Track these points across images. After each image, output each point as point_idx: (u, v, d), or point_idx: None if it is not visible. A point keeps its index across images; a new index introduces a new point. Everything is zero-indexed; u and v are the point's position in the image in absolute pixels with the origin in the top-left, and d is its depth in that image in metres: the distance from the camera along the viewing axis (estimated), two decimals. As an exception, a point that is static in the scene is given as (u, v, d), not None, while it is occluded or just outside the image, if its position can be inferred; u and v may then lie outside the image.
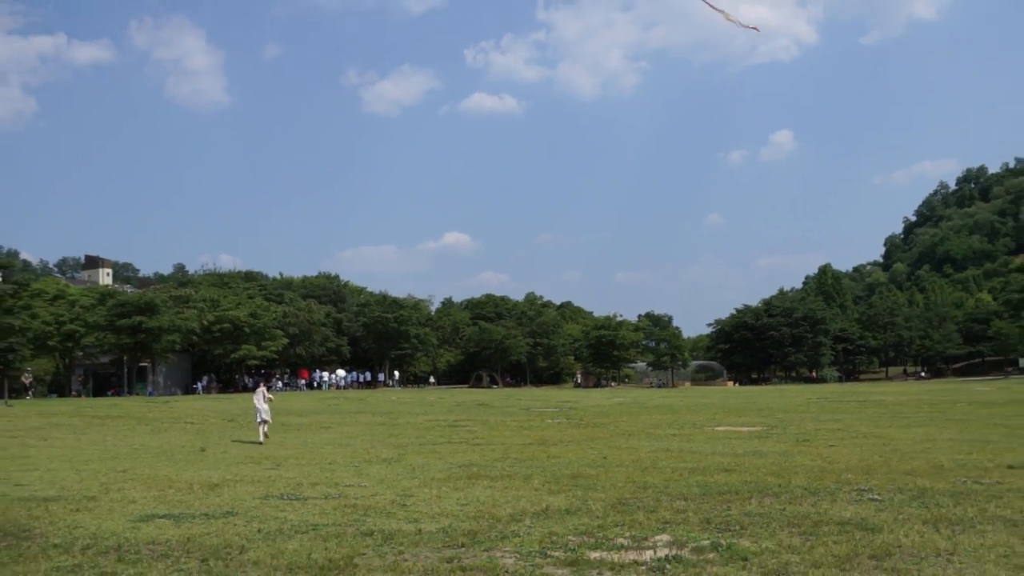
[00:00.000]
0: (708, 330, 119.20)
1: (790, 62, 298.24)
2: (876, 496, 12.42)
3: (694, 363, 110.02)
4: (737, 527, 10.16)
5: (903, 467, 16.01)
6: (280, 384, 76.16)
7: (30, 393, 60.49)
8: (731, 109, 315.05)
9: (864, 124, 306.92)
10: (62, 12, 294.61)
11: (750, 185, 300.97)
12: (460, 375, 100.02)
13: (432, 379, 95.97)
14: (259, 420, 25.47)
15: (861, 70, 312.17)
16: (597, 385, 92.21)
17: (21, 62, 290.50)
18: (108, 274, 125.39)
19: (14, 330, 58.82)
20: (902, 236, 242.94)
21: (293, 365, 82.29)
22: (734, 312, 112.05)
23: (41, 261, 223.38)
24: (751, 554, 8.66)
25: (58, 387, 66.81)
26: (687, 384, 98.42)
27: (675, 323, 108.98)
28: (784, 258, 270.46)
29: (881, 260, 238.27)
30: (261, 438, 24.72)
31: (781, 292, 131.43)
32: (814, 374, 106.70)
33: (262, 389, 27.12)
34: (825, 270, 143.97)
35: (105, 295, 71.32)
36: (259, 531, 10.20)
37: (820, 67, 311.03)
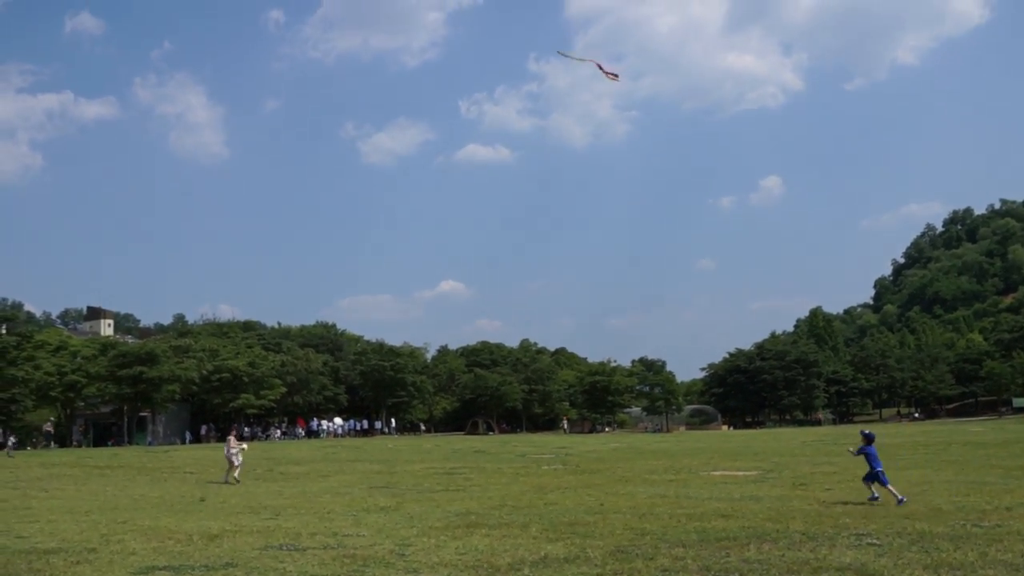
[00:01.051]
0: (701, 374, 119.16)
1: (777, 108, 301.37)
2: (875, 540, 12.28)
3: (688, 407, 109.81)
4: (736, 574, 10.03)
5: (901, 510, 15.88)
6: (278, 433, 75.75)
7: (52, 443, 60.03)
8: (720, 155, 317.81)
9: (851, 168, 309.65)
10: (69, 70, 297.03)
11: (740, 230, 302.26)
12: (456, 422, 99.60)
13: (423, 427, 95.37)
14: (236, 464, 27.58)
15: (846, 116, 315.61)
16: (592, 431, 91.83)
17: (29, 119, 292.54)
18: (109, 325, 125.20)
19: (17, 381, 58.78)
20: (891, 278, 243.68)
21: (291, 413, 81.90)
22: (727, 356, 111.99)
23: (44, 312, 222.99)
24: (751, 602, 8.53)
25: (59, 437, 66.42)
26: (682, 428, 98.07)
27: (668, 367, 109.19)
28: (775, 301, 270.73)
29: (871, 302, 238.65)
30: (225, 479, 27.00)
31: (773, 335, 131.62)
32: (822, 416, 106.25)
33: (231, 437, 29.26)
34: (816, 313, 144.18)
35: (106, 346, 71.17)
36: (258, 583, 10.04)
37: (806, 113, 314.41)
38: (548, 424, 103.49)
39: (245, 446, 29.24)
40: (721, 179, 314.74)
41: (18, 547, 13.24)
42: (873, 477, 17.74)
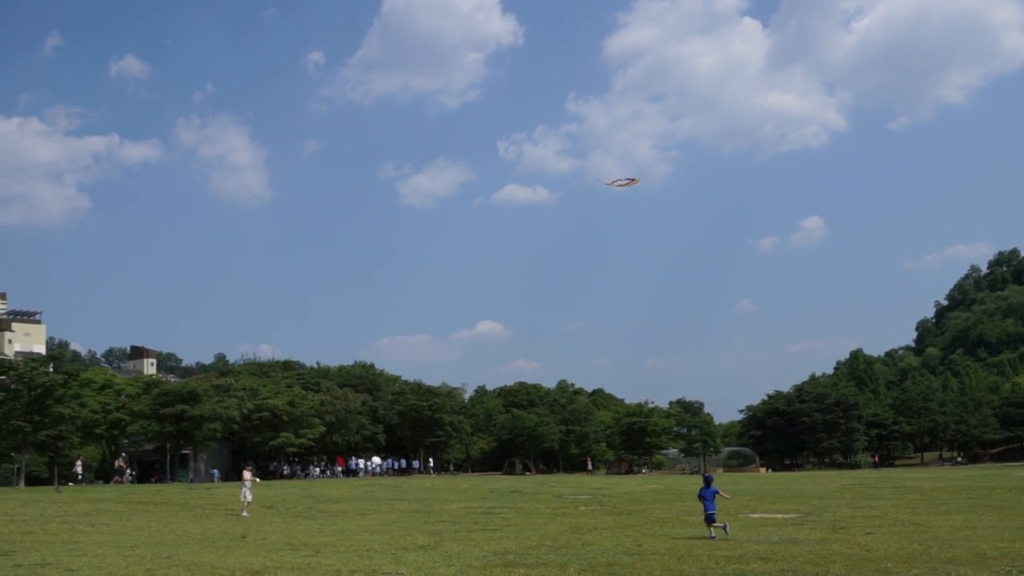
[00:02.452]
0: (740, 416, 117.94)
1: (819, 148, 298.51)
2: (915, 585, 12.15)
3: (726, 449, 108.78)
4: (776, 616, 9.97)
5: (944, 555, 15.68)
6: (317, 471, 75.94)
7: (81, 479, 60.78)
8: (761, 196, 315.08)
9: (894, 209, 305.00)
10: (114, 113, 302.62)
11: (781, 271, 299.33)
12: (493, 462, 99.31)
13: (452, 467, 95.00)
14: (243, 500, 29.68)
15: (890, 155, 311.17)
16: (629, 472, 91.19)
17: (76, 161, 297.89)
18: (152, 364, 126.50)
19: (64, 418, 59.52)
20: (934, 320, 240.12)
21: (330, 452, 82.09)
22: (766, 398, 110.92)
23: (89, 351, 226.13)
24: (791, 643, 8.49)
25: (105, 474, 67.04)
26: (719, 470, 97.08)
27: (706, 409, 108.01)
28: (815, 343, 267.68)
29: (913, 344, 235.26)
30: (244, 513, 28.78)
31: (813, 377, 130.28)
32: (873, 459, 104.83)
33: (246, 472, 31.33)
34: (857, 355, 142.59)
35: (150, 384, 71.92)
36: (301, 619, 10.12)
37: (849, 153, 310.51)
38: (584, 465, 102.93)
39: (256, 480, 32.02)
40: (761, 220, 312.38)
41: (66, 581, 13.43)
42: (709, 519, 19.67)
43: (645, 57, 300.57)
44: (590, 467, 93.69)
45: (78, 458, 63.47)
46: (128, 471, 62.44)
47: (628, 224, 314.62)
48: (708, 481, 20.35)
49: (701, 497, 20.00)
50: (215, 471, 68.67)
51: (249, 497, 30.08)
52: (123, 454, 64.44)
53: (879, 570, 13.80)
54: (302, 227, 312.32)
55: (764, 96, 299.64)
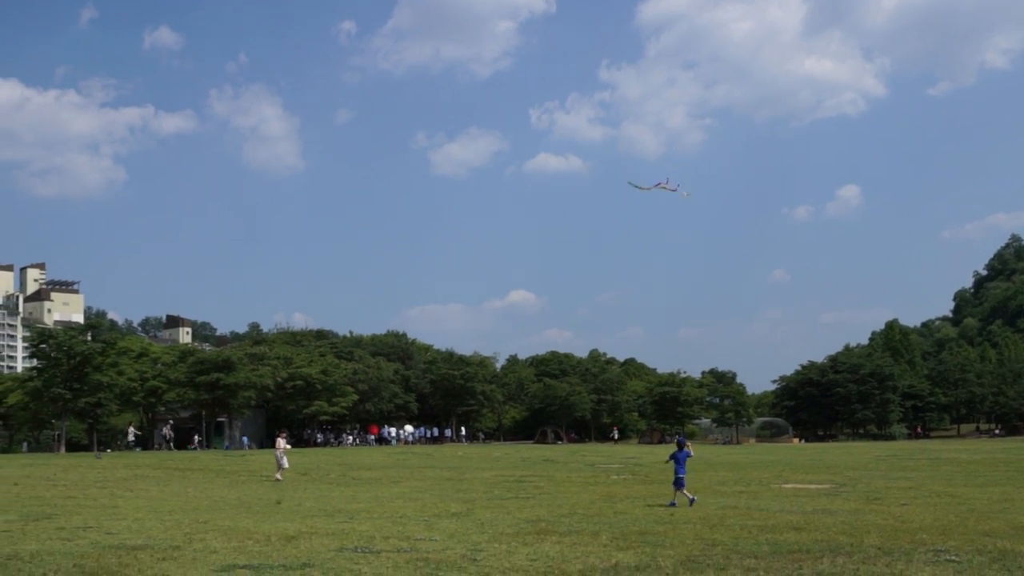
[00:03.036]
0: (773, 386, 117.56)
1: (857, 116, 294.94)
2: (954, 557, 12.05)
3: (759, 420, 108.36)
4: (809, 586, 9.93)
5: (981, 527, 15.55)
6: (351, 439, 76.49)
7: (135, 444, 61.53)
8: (796, 165, 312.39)
9: (934, 177, 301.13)
10: (149, 84, 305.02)
11: (815, 240, 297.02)
12: (525, 431, 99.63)
13: (482, 436, 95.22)
14: (284, 465, 30.74)
15: (930, 122, 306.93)
16: (661, 441, 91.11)
17: (112, 132, 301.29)
18: (188, 333, 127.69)
19: (102, 386, 60.41)
20: (972, 290, 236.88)
21: (363, 421, 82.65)
22: (799, 368, 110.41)
23: (126, 320, 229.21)
24: (825, 613, 8.45)
25: (142, 441, 67.96)
26: (752, 441, 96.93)
27: (739, 379, 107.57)
28: (850, 313, 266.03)
29: (951, 315, 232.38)
30: (278, 476, 29.91)
31: (847, 348, 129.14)
32: (916, 429, 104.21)
33: (280, 439, 32.79)
34: (892, 325, 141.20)
35: (185, 353, 72.82)
36: (335, 584, 10.20)
37: (888, 120, 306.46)
38: (611, 434, 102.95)
39: (288, 447, 33.50)
40: (797, 189, 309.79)
41: (108, 543, 13.64)
42: (677, 482, 20.36)
43: (678, 23, 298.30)
44: (615, 436, 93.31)
45: (130, 424, 64.32)
46: (170, 437, 63.11)
47: (660, 193, 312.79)
48: (681, 444, 21.25)
49: (674, 459, 20.74)
50: (244, 438, 68.98)
51: (285, 463, 30.84)
52: (170, 421, 65.08)
53: (914, 541, 13.71)
54: (334, 197, 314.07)
55: (800, 62, 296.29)
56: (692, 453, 21.69)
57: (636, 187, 44.92)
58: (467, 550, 12.98)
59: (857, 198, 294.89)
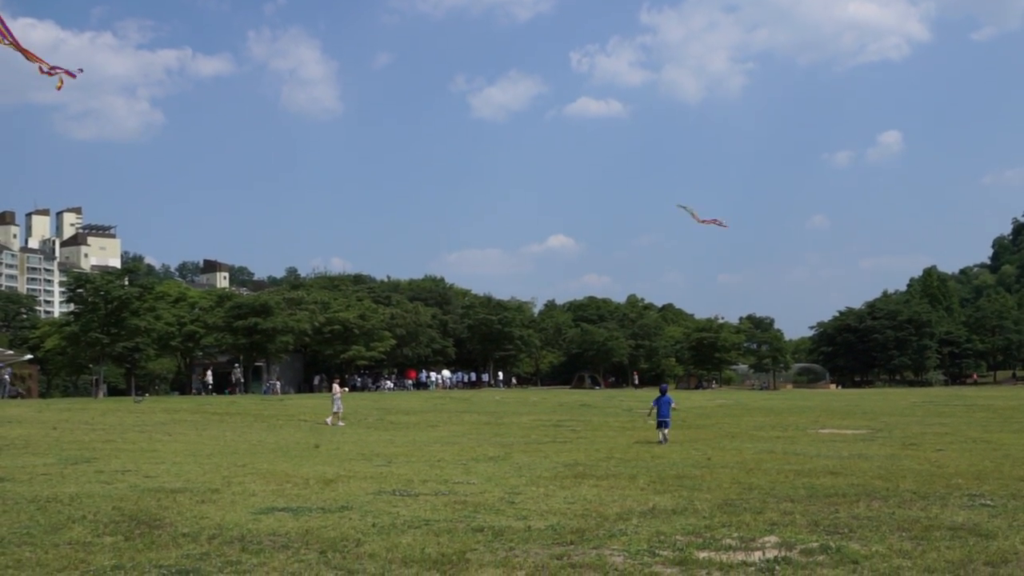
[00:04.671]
0: (810, 332, 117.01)
1: (900, 60, 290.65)
2: (989, 502, 12.05)
3: (796, 365, 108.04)
4: (846, 530, 9.97)
5: (1016, 472, 15.51)
6: (389, 384, 77.08)
7: (238, 389, 62.34)
8: (838, 109, 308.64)
9: (976, 122, 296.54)
10: (186, 26, 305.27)
11: (855, 186, 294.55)
12: (562, 376, 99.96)
13: (514, 380, 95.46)
14: (334, 410, 31.28)
15: (973, 67, 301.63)
16: (698, 387, 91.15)
17: (149, 75, 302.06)
18: (225, 277, 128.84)
19: (140, 331, 61.10)
20: (1011, 237, 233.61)
21: (400, 365, 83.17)
22: (837, 314, 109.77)
23: (163, 265, 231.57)
24: (861, 557, 8.48)
25: (181, 385, 68.80)
26: (789, 386, 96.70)
27: (777, 325, 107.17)
28: (888, 260, 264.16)
29: (989, 262, 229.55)
30: (328, 421, 30.52)
31: (885, 294, 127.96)
32: (933, 377, 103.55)
33: (335, 385, 34.21)
34: (930, 272, 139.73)
35: (223, 297, 73.31)
36: (373, 525, 10.35)
37: (931, 65, 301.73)
38: (654, 380, 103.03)
39: (345, 390, 34.38)
40: (838, 134, 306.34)
41: (147, 486, 13.89)
42: (661, 423, 22.51)
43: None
44: (637, 381, 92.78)
45: (208, 368, 65.10)
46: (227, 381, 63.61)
47: (701, 138, 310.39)
48: (663, 391, 23.61)
49: (656, 404, 22.89)
50: (275, 382, 67.28)
51: (340, 408, 31.55)
52: (236, 365, 65.49)
53: (949, 486, 13.69)
54: (373, 140, 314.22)
55: (843, 6, 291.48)
56: (674, 403, 23.63)
57: (687, 211, 44.46)
58: (505, 493, 13.12)
59: (898, 144, 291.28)
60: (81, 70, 20.23)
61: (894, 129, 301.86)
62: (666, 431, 22.45)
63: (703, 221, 45.11)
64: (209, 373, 63.38)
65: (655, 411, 22.94)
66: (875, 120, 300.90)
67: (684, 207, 44.84)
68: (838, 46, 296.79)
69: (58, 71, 19.23)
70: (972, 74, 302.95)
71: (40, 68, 18.93)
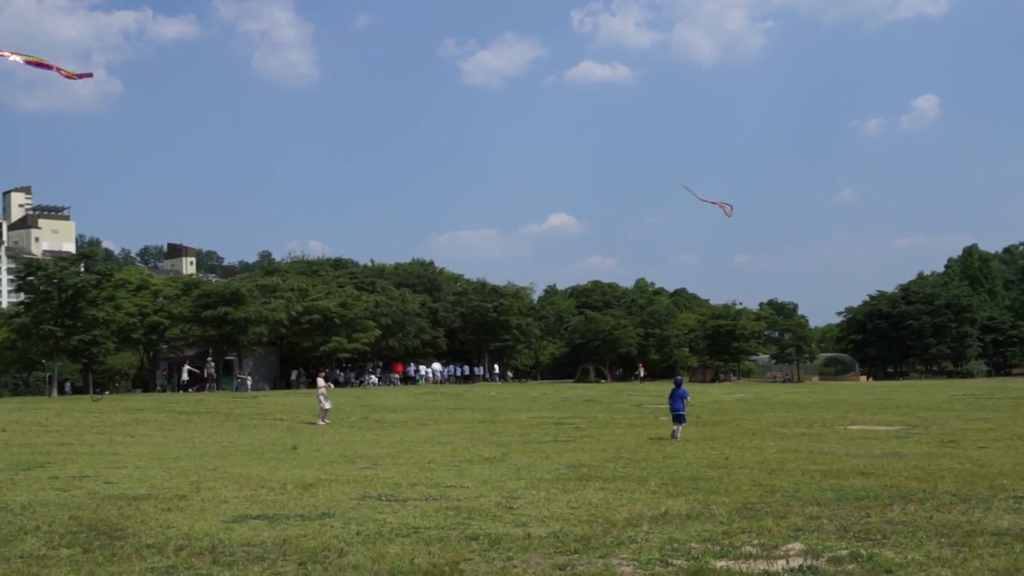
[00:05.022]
0: (838, 319, 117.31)
1: (938, 16, 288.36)
2: (1036, 504, 12.08)
3: (822, 355, 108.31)
4: (878, 536, 9.98)
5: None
6: (373, 378, 77.14)
7: (210, 385, 62.33)
8: (868, 72, 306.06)
9: (1020, 85, 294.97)
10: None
11: (888, 157, 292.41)
12: (564, 369, 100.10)
13: (510, 374, 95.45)
14: (325, 407, 31.36)
15: (1018, 24, 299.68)
16: (715, 379, 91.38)
17: (104, 39, 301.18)
18: (192, 263, 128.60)
19: (98, 322, 60.79)
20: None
21: (386, 358, 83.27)
22: (867, 299, 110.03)
23: (123, 250, 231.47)
24: (896, 566, 8.49)
25: (143, 382, 68.73)
26: (815, 379, 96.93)
27: (801, 311, 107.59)
28: (924, 238, 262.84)
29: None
30: (319, 422, 30.60)
31: (920, 276, 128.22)
32: (974, 367, 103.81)
33: (320, 379, 33.79)
34: (971, 251, 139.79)
35: (189, 285, 73.28)
36: (358, 534, 10.37)
37: (972, 22, 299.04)
38: (666, 372, 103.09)
39: (331, 386, 34.22)
40: (868, 99, 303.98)
41: (107, 493, 13.90)
42: (676, 418, 23.49)
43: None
44: (641, 374, 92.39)
45: (184, 363, 65.02)
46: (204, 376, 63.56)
47: (717, 105, 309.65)
48: (678, 383, 24.43)
49: (671, 397, 23.85)
50: (245, 377, 67.74)
51: (327, 405, 31.63)
52: (209, 359, 65.43)
53: (993, 487, 13.72)
54: (354, 110, 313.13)
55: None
56: (689, 395, 24.69)
57: (691, 192, 44.52)
58: (502, 497, 13.15)
59: (935, 109, 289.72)
60: (90, 74, 21.08)
61: (931, 93, 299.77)
62: (680, 427, 23.24)
63: (708, 202, 45.17)
64: (186, 369, 63.23)
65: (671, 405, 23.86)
66: (910, 83, 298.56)
67: (687, 188, 45.07)
68: (869, 1, 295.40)
69: (74, 76, 19.76)
70: (1017, 32, 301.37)
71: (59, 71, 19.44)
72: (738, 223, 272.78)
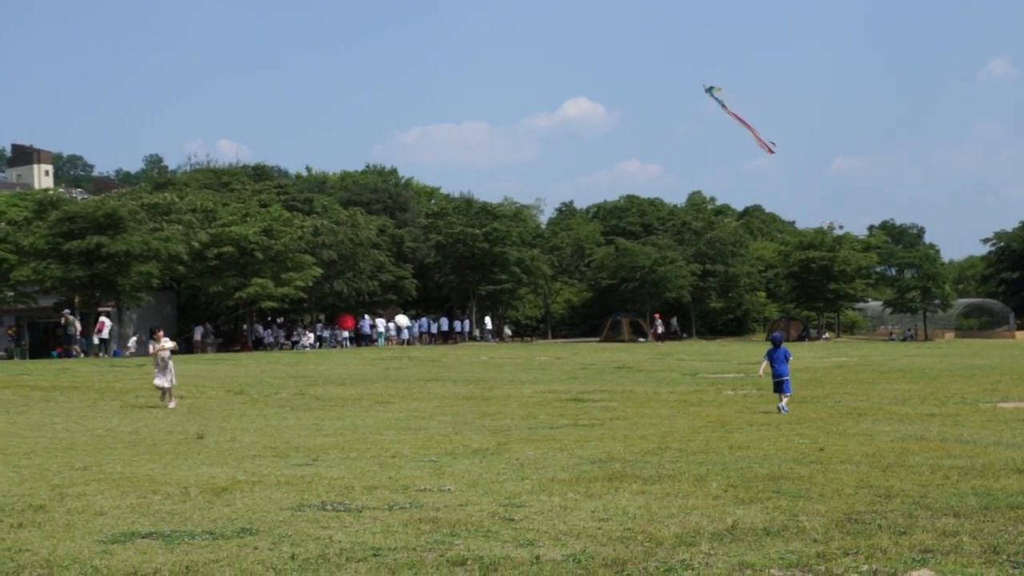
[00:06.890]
0: (983, 249, 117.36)
1: None
2: None
3: (960, 302, 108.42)
4: (1041, 558, 10.02)
5: None
6: (311, 338, 77.08)
7: (75, 348, 62.39)
8: None
9: None
10: None
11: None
12: (587, 322, 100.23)
13: (508, 331, 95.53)
14: (164, 384, 29.75)
15: None
16: (803, 337, 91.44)
17: None
18: (48, 172, 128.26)
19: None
20: None
21: (330, 308, 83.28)
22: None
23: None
24: (1066, 600, 8.54)
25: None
26: (949, 335, 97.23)
27: (928, 238, 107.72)
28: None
29: None
30: (169, 404, 29.32)
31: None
32: None
33: (163, 340, 30.82)
34: None
35: (44, 204, 72.73)
36: (292, 557, 10.40)
37: None
38: (733, 325, 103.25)
39: (175, 347, 31.43)
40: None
41: (-73, 504, 13.90)
42: (779, 385, 26.26)
43: None
44: (659, 329, 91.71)
45: (104, 315, 65.11)
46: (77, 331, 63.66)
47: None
48: (776, 342, 27.08)
49: (769, 358, 26.43)
50: (100, 335, 66.16)
51: (165, 382, 30.00)
52: (68, 311, 65.11)
53: None
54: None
55: None
56: (791, 355, 27.14)
57: (713, 96, 43.71)
58: (499, 506, 13.18)
59: None
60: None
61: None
62: (786, 398, 25.97)
63: (740, 121, 44.79)
64: (77, 320, 63.11)
65: (767, 367, 26.37)
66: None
67: (711, 90, 44.02)
68: None
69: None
70: None
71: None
72: (836, 112, 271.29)
